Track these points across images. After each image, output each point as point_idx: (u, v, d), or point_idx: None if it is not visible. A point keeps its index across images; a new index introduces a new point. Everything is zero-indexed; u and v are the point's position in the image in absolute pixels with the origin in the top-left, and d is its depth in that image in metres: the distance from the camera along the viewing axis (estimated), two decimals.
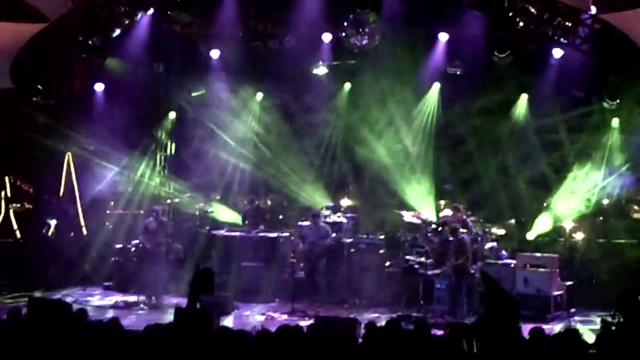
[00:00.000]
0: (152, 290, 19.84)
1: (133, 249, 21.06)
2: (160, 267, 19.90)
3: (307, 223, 20.85)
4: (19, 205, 22.97)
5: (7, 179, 22.82)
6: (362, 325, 15.48)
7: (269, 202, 22.47)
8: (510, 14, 20.44)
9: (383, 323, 11.98)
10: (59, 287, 20.99)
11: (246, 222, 21.97)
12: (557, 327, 16.79)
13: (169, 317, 15.79)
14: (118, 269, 21.51)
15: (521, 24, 20.57)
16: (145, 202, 22.90)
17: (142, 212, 22.51)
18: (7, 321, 10.68)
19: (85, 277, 21.98)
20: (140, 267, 20.23)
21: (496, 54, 20.47)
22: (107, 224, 23.26)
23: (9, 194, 22.78)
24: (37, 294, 19.25)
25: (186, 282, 17.17)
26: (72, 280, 21.73)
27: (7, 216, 22.59)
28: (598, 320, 15.99)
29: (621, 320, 12.50)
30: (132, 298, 19.97)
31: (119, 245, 21.84)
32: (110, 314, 18.29)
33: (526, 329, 12.22)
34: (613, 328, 12.54)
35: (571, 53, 20.67)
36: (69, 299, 18.48)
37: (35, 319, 11.07)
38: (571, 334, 10.05)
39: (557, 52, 20.93)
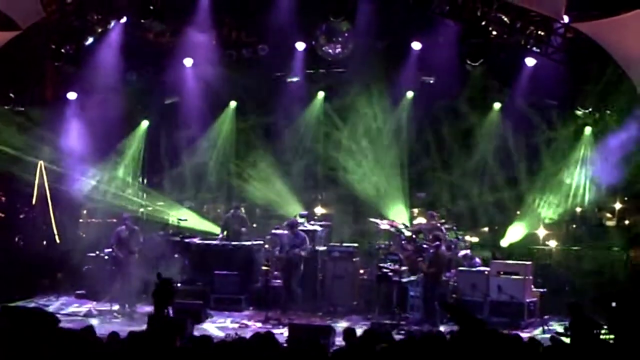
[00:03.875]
0: (125, 299, 19.78)
1: (106, 257, 20.97)
2: (132, 276, 19.84)
3: (283, 231, 20.79)
4: None
5: None
6: (336, 333, 15.56)
7: (242, 210, 22.40)
8: (483, 23, 20.56)
9: (358, 331, 12.01)
10: (32, 295, 20.89)
11: (225, 231, 21.87)
12: (530, 334, 16.84)
13: (142, 325, 15.73)
14: (91, 277, 21.38)
15: (494, 33, 20.71)
16: (118, 210, 22.76)
17: (114, 220, 22.39)
18: None
19: (58, 286, 21.90)
20: (113, 275, 20.15)
21: (469, 62, 20.55)
22: (80, 232, 23.15)
23: None
24: (11, 303, 19.12)
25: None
26: (45, 289, 21.64)
27: None
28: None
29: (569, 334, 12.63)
30: (105, 306, 19.89)
31: (91, 254, 21.73)
32: (83, 322, 18.17)
33: None
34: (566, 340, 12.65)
35: (544, 62, 20.78)
36: (42, 308, 18.42)
37: (8, 327, 10.99)
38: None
39: (530, 61, 21.02)
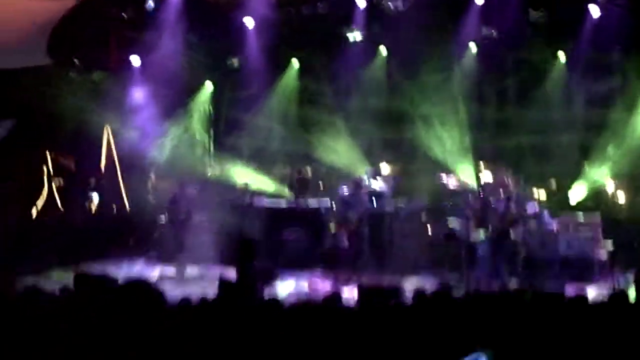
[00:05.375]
0: (193, 261, 19.87)
1: (169, 220, 21.07)
2: (198, 239, 19.91)
3: (347, 191, 20.77)
4: (61, 180, 23.14)
5: (48, 154, 22.97)
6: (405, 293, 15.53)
7: (309, 171, 22.42)
8: None
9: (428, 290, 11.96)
10: (104, 261, 21.13)
11: (292, 191, 21.94)
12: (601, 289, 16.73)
13: (212, 287, 15.84)
14: (161, 241, 21.58)
15: None
16: (186, 174, 22.91)
17: (182, 183, 22.55)
18: (59, 297, 10.77)
19: (129, 251, 22.11)
20: (179, 238, 20.26)
21: (532, 12, 20.29)
22: (149, 196, 23.36)
23: (50, 170, 22.94)
24: (83, 269, 19.40)
25: (227, 253, 17.42)
26: (116, 254, 21.89)
27: (50, 191, 22.73)
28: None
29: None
30: (175, 269, 20.04)
31: (159, 217, 21.91)
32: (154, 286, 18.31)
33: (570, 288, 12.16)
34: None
35: (608, 8, 20.47)
36: (113, 273, 18.63)
37: (82, 294, 11.15)
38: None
39: (594, 8, 20.75)
